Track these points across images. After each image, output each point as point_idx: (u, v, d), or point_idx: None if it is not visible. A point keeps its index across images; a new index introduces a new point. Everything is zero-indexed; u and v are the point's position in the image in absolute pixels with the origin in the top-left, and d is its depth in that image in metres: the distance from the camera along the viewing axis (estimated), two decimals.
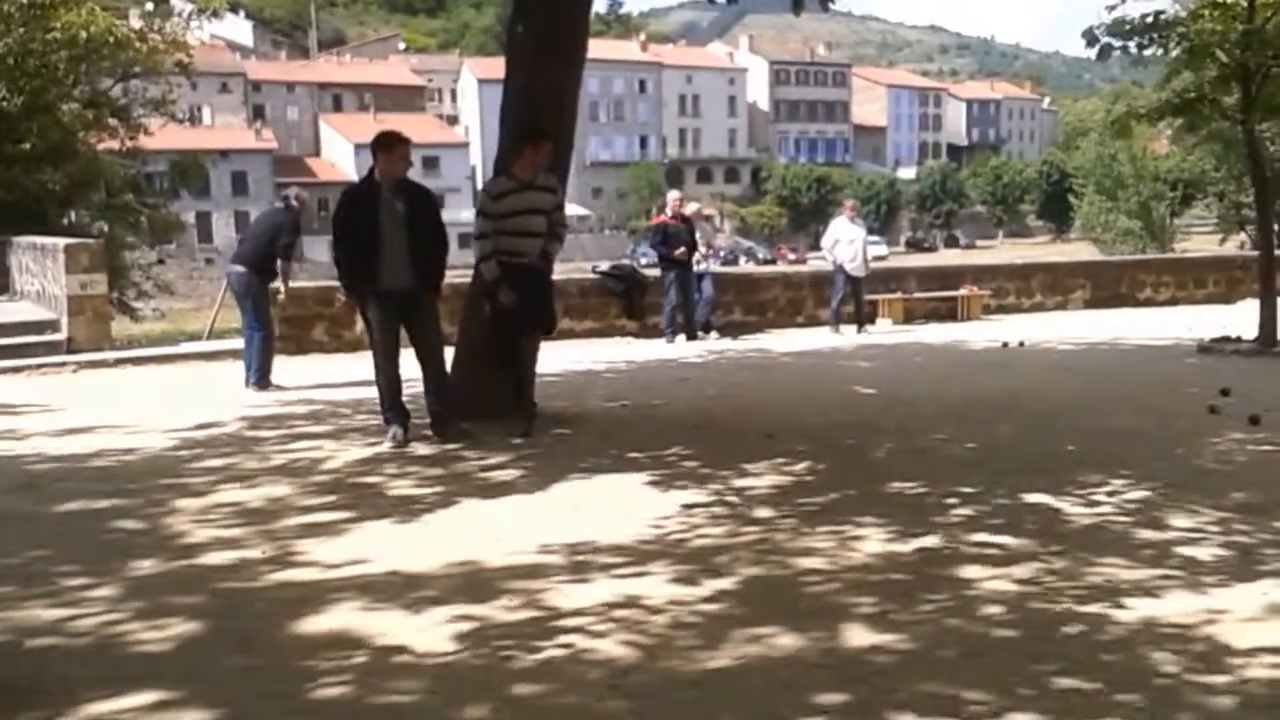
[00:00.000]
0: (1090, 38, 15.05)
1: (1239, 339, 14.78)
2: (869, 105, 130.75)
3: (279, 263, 12.25)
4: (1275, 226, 15.63)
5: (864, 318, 19.01)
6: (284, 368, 12.60)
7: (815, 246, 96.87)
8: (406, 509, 6.75)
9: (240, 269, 12.23)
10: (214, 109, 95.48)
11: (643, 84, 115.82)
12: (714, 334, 17.72)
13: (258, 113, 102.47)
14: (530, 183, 8.98)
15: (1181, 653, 4.27)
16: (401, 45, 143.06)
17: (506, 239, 8.97)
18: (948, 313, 21.07)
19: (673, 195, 18.50)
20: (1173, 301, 23.61)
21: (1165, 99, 16.21)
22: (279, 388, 11.92)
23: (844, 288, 18.71)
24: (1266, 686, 3.97)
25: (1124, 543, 5.77)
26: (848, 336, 18.11)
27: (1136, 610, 4.72)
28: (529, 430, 8.98)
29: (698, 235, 17.54)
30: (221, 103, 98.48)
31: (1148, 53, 15.44)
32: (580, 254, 69.96)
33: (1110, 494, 6.83)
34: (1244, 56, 14.22)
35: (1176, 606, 4.76)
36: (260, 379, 12.04)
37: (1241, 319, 16.18)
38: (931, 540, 5.87)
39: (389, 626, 4.67)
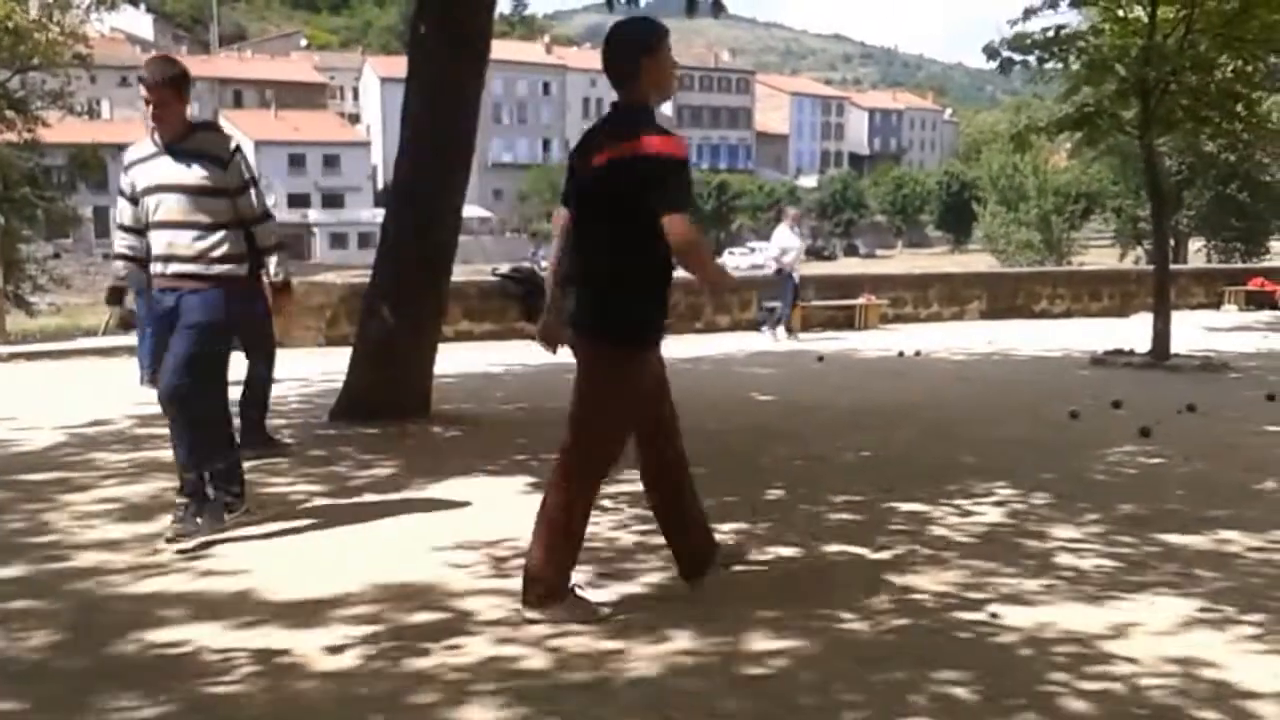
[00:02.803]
0: (991, 52, 15.27)
1: (1132, 352, 15.05)
2: (772, 112, 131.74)
3: None
4: (1171, 241, 15.98)
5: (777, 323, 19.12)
6: None
7: (716, 252, 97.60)
8: (288, 511, 6.64)
9: (135, 266, 11.98)
10: (113, 103, 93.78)
11: (546, 86, 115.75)
12: None
13: None
14: (169, 146, 6.00)
15: (1065, 661, 4.31)
16: (304, 42, 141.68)
17: (153, 232, 6.09)
18: (845, 321, 21.24)
19: None
20: (1068, 314, 24.01)
21: (1065, 113, 16.48)
22: None
23: (791, 294, 18.89)
24: (1147, 694, 4.03)
25: (1012, 552, 5.83)
26: (763, 342, 18.19)
27: (1022, 618, 4.77)
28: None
29: None
30: (121, 96, 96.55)
31: (1048, 66, 15.70)
32: (481, 256, 69.65)
33: (999, 503, 6.90)
34: (1143, 71, 14.47)
35: (1062, 615, 4.81)
36: (154, 375, 11.79)
37: (1133, 332, 16.50)
38: (820, 548, 5.89)
39: (270, 631, 4.59)
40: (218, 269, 5.98)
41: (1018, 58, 15.38)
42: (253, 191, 6.13)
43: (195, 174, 5.92)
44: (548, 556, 4.71)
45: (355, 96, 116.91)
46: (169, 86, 5.92)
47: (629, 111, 4.65)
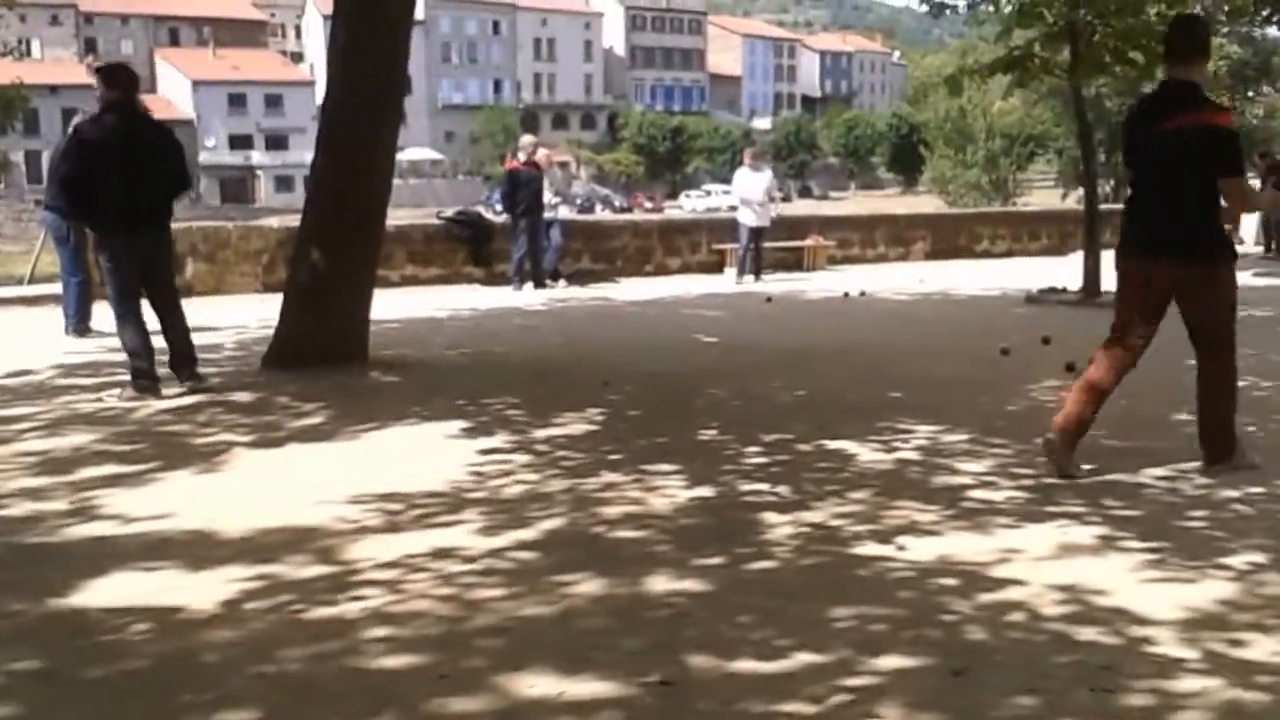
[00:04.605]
0: None
1: (1064, 290, 15.23)
2: (725, 54, 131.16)
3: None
4: (1111, 181, 16.19)
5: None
6: (107, 313, 12.16)
7: (672, 195, 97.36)
8: (214, 458, 6.61)
9: (50, 212, 11.80)
10: (44, 42, 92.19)
11: (496, 25, 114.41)
12: (562, 282, 17.69)
13: (90, 47, 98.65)
14: None
15: (968, 590, 4.38)
16: None
17: None
18: (794, 263, 21.27)
19: (526, 140, 18.41)
20: (1009, 254, 24.17)
21: (997, 56, 16.57)
22: (99, 334, 11.53)
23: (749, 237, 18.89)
24: (1047, 622, 4.09)
25: (926, 485, 5.93)
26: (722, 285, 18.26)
27: (929, 551, 4.84)
28: None
29: (545, 182, 17.42)
30: (52, 36, 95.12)
31: (980, 9, 15.81)
32: (434, 199, 69.22)
33: (924, 439, 6.99)
34: (1071, 15, 14.64)
35: (969, 546, 4.89)
36: (79, 325, 11.68)
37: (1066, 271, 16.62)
38: (737, 486, 5.95)
39: (187, 583, 4.56)
40: None
41: (950, 1, 15.51)
42: None
43: None
44: (1224, 421, 6.04)
45: (298, 35, 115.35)
46: None
47: (1192, 88, 5.89)
